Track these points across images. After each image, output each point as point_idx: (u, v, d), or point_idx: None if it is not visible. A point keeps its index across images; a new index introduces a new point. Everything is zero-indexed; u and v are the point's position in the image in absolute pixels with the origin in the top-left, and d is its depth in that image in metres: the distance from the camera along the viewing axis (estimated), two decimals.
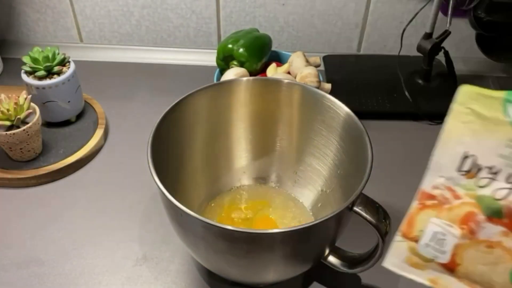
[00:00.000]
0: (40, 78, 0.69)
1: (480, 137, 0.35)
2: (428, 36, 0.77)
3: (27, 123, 0.64)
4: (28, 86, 0.70)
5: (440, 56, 0.79)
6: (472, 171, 0.35)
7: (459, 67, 0.85)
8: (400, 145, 0.74)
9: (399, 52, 0.80)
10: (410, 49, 0.81)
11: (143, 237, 0.60)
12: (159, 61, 0.91)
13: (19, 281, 0.55)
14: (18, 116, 0.63)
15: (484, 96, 0.35)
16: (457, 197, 0.36)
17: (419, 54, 0.79)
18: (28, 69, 0.69)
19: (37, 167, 0.67)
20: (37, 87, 0.69)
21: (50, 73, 0.70)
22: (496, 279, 0.35)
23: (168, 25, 0.91)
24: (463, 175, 0.35)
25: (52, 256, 0.58)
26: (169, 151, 0.53)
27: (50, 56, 0.70)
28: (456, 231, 0.36)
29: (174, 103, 0.53)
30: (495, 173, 0.35)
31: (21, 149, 0.66)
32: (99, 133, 0.73)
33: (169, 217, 0.48)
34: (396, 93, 0.78)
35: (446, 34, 0.75)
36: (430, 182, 0.37)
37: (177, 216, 0.46)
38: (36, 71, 0.69)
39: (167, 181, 0.45)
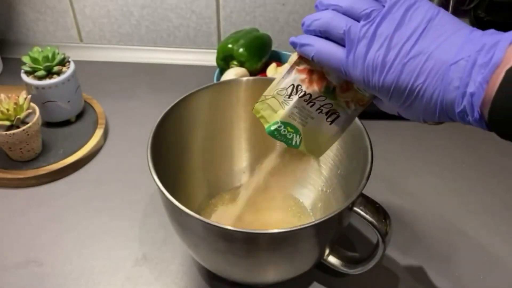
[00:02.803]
0: (40, 78, 0.69)
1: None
2: None
3: (27, 123, 0.64)
4: (27, 86, 0.69)
5: None
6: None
7: None
8: (400, 145, 0.74)
9: None
10: None
11: (143, 237, 0.60)
12: (159, 61, 0.91)
13: (19, 281, 0.55)
14: (18, 116, 0.63)
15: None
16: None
17: None
18: (28, 69, 0.69)
19: (37, 167, 0.67)
20: (37, 87, 0.69)
21: (49, 73, 0.70)
22: None
23: (168, 25, 0.91)
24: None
25: (52, 256, 0.58)
26: (169, 151, 0.53)
27: (50, 56, 0.70)
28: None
29: (174, 103, 0.53)
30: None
31: (20, 149, 0.66)
32: (98, 133, 0.73)
33: (169, 217, 0.48)
34: None
35: None
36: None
37: (177, 216, 0.45)
38: (36, 71, 0.69)
39: (167, 180, 0.45)
